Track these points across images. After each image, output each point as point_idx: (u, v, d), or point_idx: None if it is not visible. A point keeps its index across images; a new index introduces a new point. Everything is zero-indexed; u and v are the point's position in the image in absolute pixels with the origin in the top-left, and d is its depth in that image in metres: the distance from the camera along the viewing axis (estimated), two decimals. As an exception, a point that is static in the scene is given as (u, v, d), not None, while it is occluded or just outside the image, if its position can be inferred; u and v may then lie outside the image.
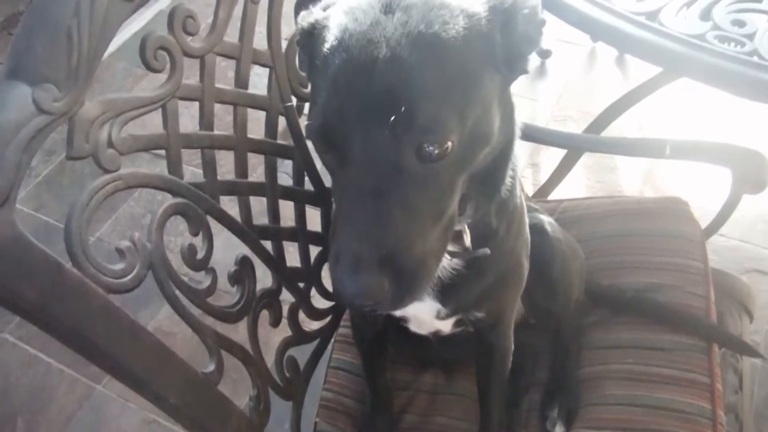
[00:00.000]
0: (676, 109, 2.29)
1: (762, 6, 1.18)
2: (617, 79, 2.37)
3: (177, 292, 0.84)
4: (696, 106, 2.24)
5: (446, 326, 0.96)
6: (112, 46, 2.62)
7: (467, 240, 0.78)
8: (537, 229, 1.06)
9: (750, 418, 1.24)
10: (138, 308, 1.89)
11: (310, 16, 0.71)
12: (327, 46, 0.62)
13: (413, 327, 0.99)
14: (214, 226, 0.93)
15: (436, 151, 0.59)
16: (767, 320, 1.82)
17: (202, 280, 0.91)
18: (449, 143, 0.59)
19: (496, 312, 0.95)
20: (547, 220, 1.09)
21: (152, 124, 0.89)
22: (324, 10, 0.70)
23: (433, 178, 0.60)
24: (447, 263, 0.83)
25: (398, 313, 0.93)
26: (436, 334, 1.00)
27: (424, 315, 0.91)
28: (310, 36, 0.70)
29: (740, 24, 1.15)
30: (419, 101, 0.57)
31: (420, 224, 0.59)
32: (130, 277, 0.78)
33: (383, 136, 0.57)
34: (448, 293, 0.86)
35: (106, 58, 2.76)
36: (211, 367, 0.87)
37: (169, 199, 0.88)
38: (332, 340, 1.25)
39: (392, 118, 0.56)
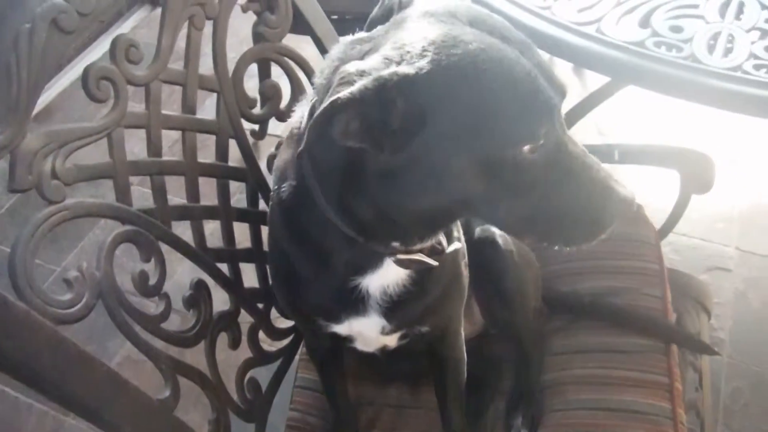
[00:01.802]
0: (633, 113, 2.33)
1: (698, 11, 1.22)
2: (575, 87, 2.41)
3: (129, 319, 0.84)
4: (654, 108, 2.28)
5: (392, 341, 0.97)
6: (73, 75, 2.62)
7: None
8: (488, 242, 1.07)
9: (711, 414, 1.26)
10: (106, 337, 1.87)
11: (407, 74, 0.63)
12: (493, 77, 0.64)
13: (360, 345, 0.99)
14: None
15: None
16: (731, 316, 1.86)
17: (156, 305, 0.91)
18: None
19: (441, 325, 0.97)
20: (498, 232, 1.11)
21: (102, 149, 0.89)
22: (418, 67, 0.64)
23: None
24: (398, 280, 0.85)
25: (344, 331, 0.93)
26: (384, 350, 1.01)
27: (369, 332, 0.92)
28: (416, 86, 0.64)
29: (678, 30, 1.18)
30: None
31: None
32: (78, 306, 0.78)
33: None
34: (394, 309, 0.87)
35: (67, 86, 2.74)
36: (167, 393, 0.87)
37: (118, 227, 0.88)
38: (297, 359, 1.25)
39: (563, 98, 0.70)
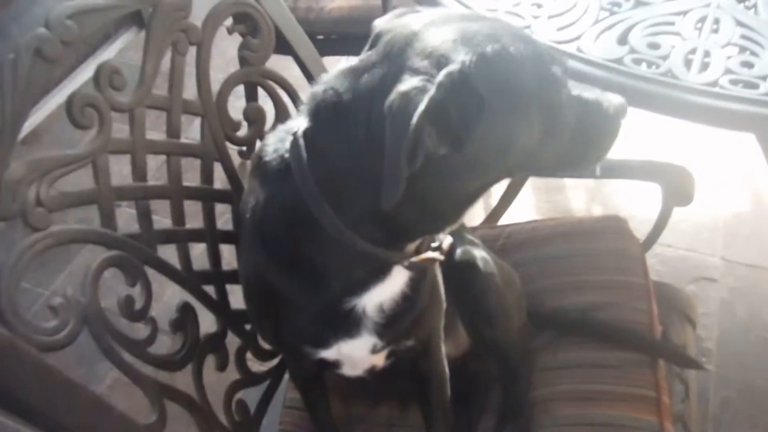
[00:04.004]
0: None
1: (674, 28, 1.24)
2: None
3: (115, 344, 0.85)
4: (637, 123, 2.30)
5: (380, 360, 0.97)
6: (60, 98, 2.62)
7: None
8: (468, 265, 1.09)
9: (698, 425, 1.27)
10: (96, 360, 1.85)
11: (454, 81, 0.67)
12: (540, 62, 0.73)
13: (347, 370, 1.00)
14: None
15: None
16: (717, 326, 1.87)
17: (142, 329, 0.91)
18: None
19: (425, 336, 0.98)
20: (479, 255, 1.12)
21: (89, 173, 0.90)
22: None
23: None
24: (394, 294, 0.86)
25: (332, 356, 0.93)
26: (372, 371, 1.01)
27: (359, 353, 0.92)
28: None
29: (655, 46, 1.20)
30: None
31: None
32: (63, 333, 0.79)
33: None
34: (387, 325, 0.88)
35: (54, 110, 2.73)
36: (153, 418, 0.87)
37: (104, 252, 0.89)
38: (286, 379, 1.25)
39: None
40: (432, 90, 0.64)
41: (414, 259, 0.81)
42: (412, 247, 0.81)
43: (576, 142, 0.78)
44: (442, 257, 0.85)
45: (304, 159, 0.75)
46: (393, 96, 0.65)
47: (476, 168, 0.73)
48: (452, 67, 0.66)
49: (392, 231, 0.77)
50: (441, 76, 0.65)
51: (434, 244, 0.84)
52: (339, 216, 0.75)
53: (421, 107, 0.63)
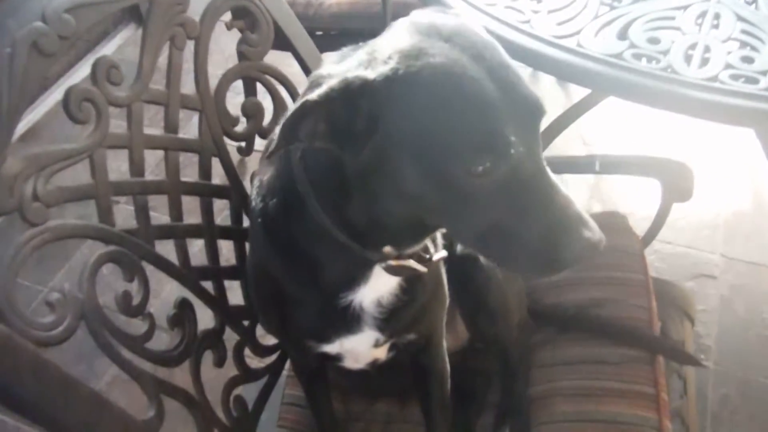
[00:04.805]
0: (617, 123, 2.36)
1: (675, 23, 1.23)
2: (559, 98, 2.43)
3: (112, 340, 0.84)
4: (637, 118, 2.31)
5: (382, 354, 0.98)
6: (59, 94, 2.60)
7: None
8: (470, 260, 1.08)
9: (696, 421, 1.26)
10: (95, 357, 1.85)
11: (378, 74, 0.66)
12: (464, 90, 0.64)
13: (349, 363, 1.00)
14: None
15: None
16: (717, 323, 1.87)
17: (140, 325, 0.91)
18: None
19: (427, 331, 0.98)
20: None
21: (87, 168, 0.89)
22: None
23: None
24: (391, 289, 0.86)
25: (334, 351, 0.94)
26: (374, 364, 1.01)
27: (361, 347, 0.92)
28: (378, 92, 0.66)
29: (655, 41, 1.20)
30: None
31: None
32: (60, 329, 0.78)
33: (537, 128, 0.69)
34: (387, 319, 0.88)
35: (53, 105, 2.73)
36: (151, 413, 0.87)
37: (101, 248, 0.88)
38: (284, 375, 1.25)
39: (541, 115, 0.68)
40: (331, 84, 0.65)
41: (392, 262, 0.79)
42: (389, 249, 0.79)
43: (504, 237, 0.67)
44: (423, 269, 0.82)
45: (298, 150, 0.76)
46: (315, 75, 0.69)
47: (383, 188, 0.70)
48: (352, 77, 0.65)
49: (355, 230, 0.76)
50: (337, 81, 0.65)
51: (426, 255, 0.82)
52: (318, 200, 0.75)
53: (310, 97, 0.64)
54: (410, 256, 0.80)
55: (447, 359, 1.06)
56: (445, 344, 1.05)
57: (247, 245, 1.11)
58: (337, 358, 0.97)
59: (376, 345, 0.92)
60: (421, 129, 0.64)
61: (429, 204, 0.69)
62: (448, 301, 0.99)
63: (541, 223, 0.66)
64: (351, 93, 0.65)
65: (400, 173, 0.67)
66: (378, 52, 0.67)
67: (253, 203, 0.86)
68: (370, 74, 0.65)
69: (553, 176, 0.68)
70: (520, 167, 0.65)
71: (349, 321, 0.87)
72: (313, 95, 0.64)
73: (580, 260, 0.67)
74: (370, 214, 0.74)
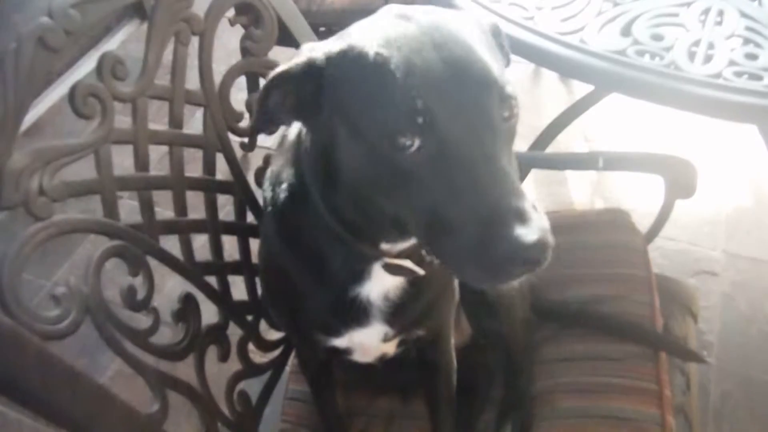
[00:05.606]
0: (620, 119, 2.36)
1: (678, 20, 1.23)
2: (562, 95, 2.43)
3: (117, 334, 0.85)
4: (640, 114, 2.31)
5: (391, 348, 0.98)
6: (63, 90, 2.62)
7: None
8: None
9: (699, 417, 1.27)
10: (98, 351, 1.86)
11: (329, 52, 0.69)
12: (396, 64, 0.64)
13: (357, 357, 1.00)
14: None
15: (508, 113, 0.66)
16: (719, 319, 1.87)
17: (144, 319, 0.91)
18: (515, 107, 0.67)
19: (436, 327, 0.98)
20: None
21: (92, 163, 0.90)
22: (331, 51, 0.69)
23: (508, 134, 0.66)
24: (397, 283, 0.86)
25: (343, 344, 0.94)
26: (383, 359, 1.01)
27: (370, 341, 0.93)
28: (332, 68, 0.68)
29: (658, 38, 1.20)
30: (504, 81, 0.66)
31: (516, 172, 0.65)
32: (66, 322, 0.79)
33: (487, 110, 0.63)
34: (395, 313, 0.88)
35: (57, 101, 2.72)
36: (155, 407, 0.87)
37: (106, 243, 0.89)
38: (287, 371, 1.25)
39: (491, 95, 0.64)
40: (296, 59, 0.69)
41: (388, 260, 0.80)
42: (387, 246, 0.78)
43: (446, 226, 0.62)
44: (421, 271, 0.80)
45: (303, 137, 0.77)
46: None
47: (341, 164, 0.70)
48: (315, 54, 0.69)
49: (348, 221, 0.76)
50: (303, 58, 0.69)
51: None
52: (320, 195, 0.76)
53: (278, 70, 0.69)
54: (408, 256, 0.80)
55: (454, 355, 1.06)
56: (453, 340, 1.05)
57: (251, 241, 1.12)
58: (346, 351, 0.98)
59: (385, 339, 0.92)
60: (352, 104, 0.66)
61: (377, 186, 0.68)
62: (457, 298, 0.99)
63: (471, 212, 0.60)
64: (315, 69, 0.68)
65: (345, 150, 0.69)
66: (346, 32, 0.71)
67: (264, 193, 0.88)
68: (329, 50, 0.69)
69: (507, 166, 0.62)
70: (455, 147, 0.61)
71: (357, 314, 0.87)
72: (283, 68, 0.69)
73: (515, 262, 0.58)
74: (354, 204, 0.74)
